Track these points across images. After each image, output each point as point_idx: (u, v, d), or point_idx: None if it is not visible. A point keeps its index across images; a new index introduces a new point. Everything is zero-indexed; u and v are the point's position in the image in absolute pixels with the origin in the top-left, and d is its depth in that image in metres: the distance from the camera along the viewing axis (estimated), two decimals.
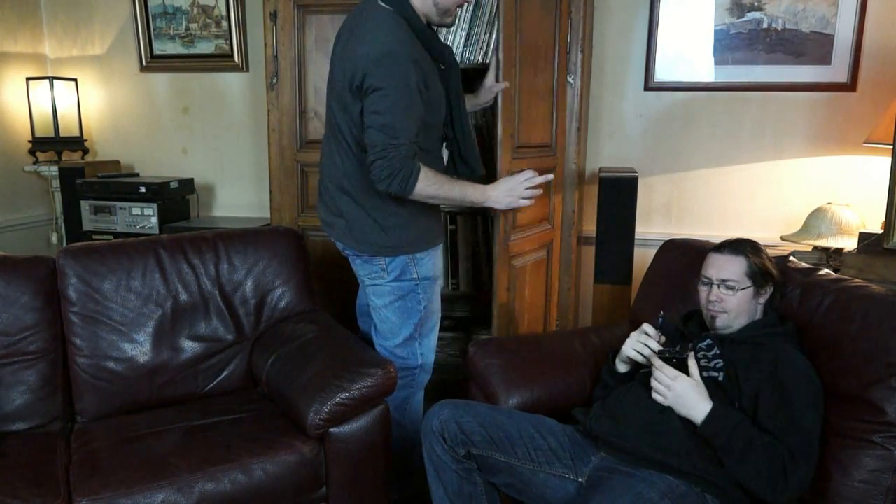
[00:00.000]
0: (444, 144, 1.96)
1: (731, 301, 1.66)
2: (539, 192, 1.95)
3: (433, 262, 1.99)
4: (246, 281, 2.27)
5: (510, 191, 1.90)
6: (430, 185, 1.78)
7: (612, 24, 2.86)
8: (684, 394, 1.54)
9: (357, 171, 1.86)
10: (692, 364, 1.56)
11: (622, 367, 1.77)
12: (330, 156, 1.96)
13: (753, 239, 1.75)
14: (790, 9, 2.67)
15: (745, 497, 1.51)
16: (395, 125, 1.71)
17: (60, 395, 2.02)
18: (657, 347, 1.65)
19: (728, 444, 1.48)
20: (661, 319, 1.71)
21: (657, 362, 1.58)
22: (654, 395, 1.57)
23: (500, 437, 1.62)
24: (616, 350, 1.80)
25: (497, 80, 2.06)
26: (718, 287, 1.67)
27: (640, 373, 1.71)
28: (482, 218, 2.65)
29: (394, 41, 1.72)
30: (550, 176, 1.98)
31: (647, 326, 1.69)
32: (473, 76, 2.80)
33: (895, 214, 2.14)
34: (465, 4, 1.94)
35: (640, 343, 1.68)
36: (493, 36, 2.50)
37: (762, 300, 1.70)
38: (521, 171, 1.93)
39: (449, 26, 1.97)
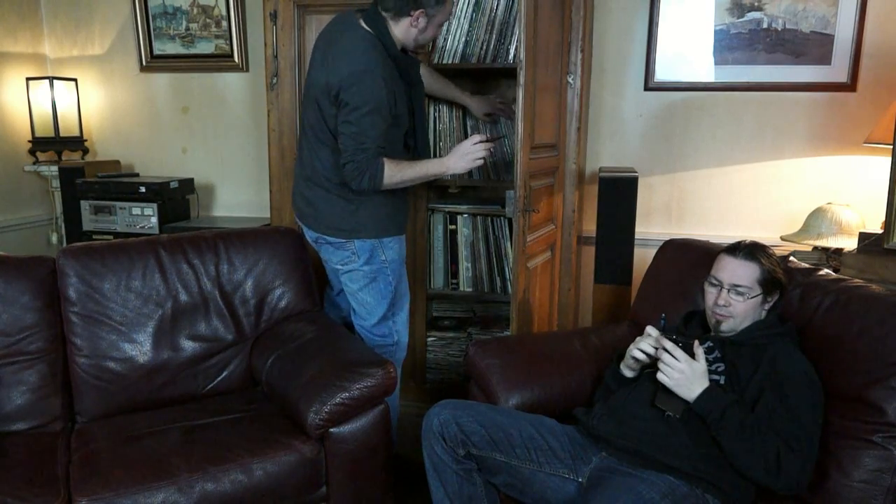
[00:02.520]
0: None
1: (738, 307, 1.65)
2: (490, 148, 2.12)
3: (398, 247, 2.22)
4: (246, 281, 2.27)
5: (464, 155, 2.09)
6: (395, 175, 2.04)
7: (612, 24, 2.86)
8: (690, 375, 1.53)
9: (331, 164, 2.10)
10: (699, 352, 1.56)
11: (628, 373, 1.75)
12: (301, 152, 2.21)
13: (760, 242, 1.74)
14: (790, 9, 2.67)
15: (746, 498, 1.51)
16: (363, 133, 1.97)
17: (60, 395, 2.02)
18: (657, 334, 1.64)
19: (721, 420, 1.49)
20: (662, 321, 1.70)
21: (668, 344, 1.56)
22: (659, 375, 1.55)
23: (500, 437, 1.62)
24: (621, 354, 1.79)
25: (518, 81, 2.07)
26: (728, 292, 1.66)
27: (645, 373, 1.70)
28: (482, 218, 2.65)
29: (369, 61, 1.96)
30: (489, 137, 2.25)
31: (650, 328, 1.68)
32: (473, 75, 2.81)
33: (895, 214, 2.14)
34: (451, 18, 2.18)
35: (644, 343, 1.67)
36: (493, 36, 2.50)
37: (768, 306, 1.69)
38: (468, 139, 2.13)
39: (419, 53, 2.23)
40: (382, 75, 1.96)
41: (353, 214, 2.12)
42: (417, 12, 2.00)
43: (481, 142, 2.08)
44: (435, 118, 2.63)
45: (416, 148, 2.21)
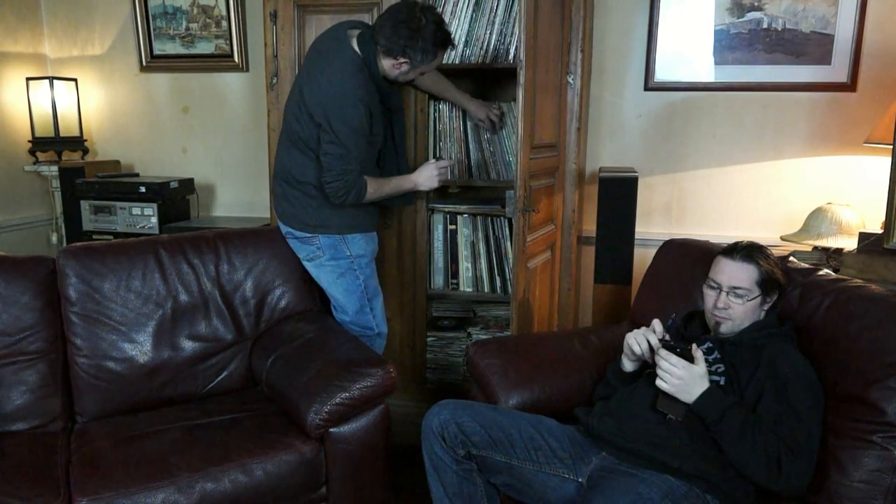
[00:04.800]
0: (378, 161, 2.34)
1: (738, 309, 1.65)
2: (446, 171, 2.40)
3: (365, 243, 2.31)
4: (246, 281, 2.27)
5: (430, 176, 2.33)
6: (374, 192, 2.22)
7: (612, 24, 2.86)
8: (689, 381, 1.52)
9: (301, 163, 2.21)
10: (698, 355, 1.55)
11: (628, 366, 1.75)
12: (280, 152, 2.31)
13: (758, 242, 1.74)
14: (790, 9, 2.67)
15: (746, 498, 1.51)
16: (348, 155, 2.09)
17: (60, 395, 2.02)
18: (658, 338, 1.64)
19: (721, 422, 1.49)
20: (670, 321, 1.69)
21: (662, 351, 1.57)
22: (658, 382, 1.55)
23: (500, 437, 1.62)
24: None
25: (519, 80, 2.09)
26: (727, 294, 1.66)
27: (646, 373, 1.70)
28: (482, 218, 2.65)
29: (351, 84, 2.06)
30: (451, 161, 2.52)
31: (656, 322, 1.66)
32: (473, 75, 2.81)
33: (895, 214, 2.14)
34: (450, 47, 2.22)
35: (642, 336, 1.66)
36: (493, 36, 2.50)
37: (767, 307, 1.69)
38: (433, 160, 2.41)
39: (402, 85, 2.33)
40: (362, 98, 2.06)
41: (317, 210, 2.22)
42: (403, 59, 2.09)
43: (443, 166, 2.34)
44: (435, 118, 2.63)
45: (398, 167, 2.36)
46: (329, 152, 2.10)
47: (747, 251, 1.68)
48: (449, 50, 2.21)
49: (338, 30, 2.18)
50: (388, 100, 2.22)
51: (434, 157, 2.55)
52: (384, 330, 2.42)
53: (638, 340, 1.67)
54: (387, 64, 2.12)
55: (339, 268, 2.28)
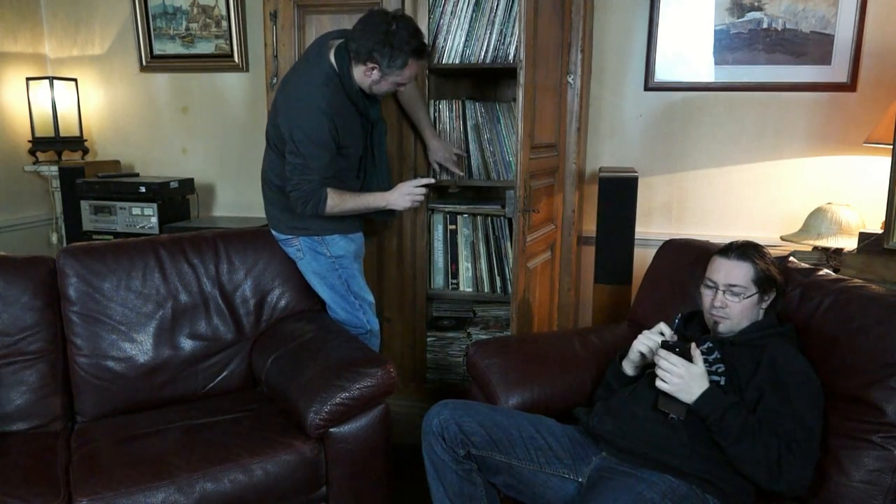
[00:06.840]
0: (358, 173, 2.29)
1: (735, 308, 1.65)
2: (424, 192, 2.25)
3: (346, 244, 2.28)
4: (246, 281, 2.27)
5: (405, 195, 2.22)
6: (338, 205, 2.15)
7: (612, 24, 2.86)
8: (689, 380, 1.52)
9: (277, 167, 2.21)
10: (696, 354, 1.55)
11: (630, 370, 1.74)
12: (264, 154, 2.32)
13: (755, 241, 1.74)
14: (790, 9, 2.67)
15: (746, 498, 1.51)
16: (307, 165, 2.08)
17: (60, 395, 2.02)
18: (669, 333, 1.64)
19: (721, 422, 1.48)
20: (677, 322, 1.69)
21: (661, 351, 1.57)
22: (658, 382, 1.54)
23: (500, 437, 1.62)
24: (623, 353, 1.78)
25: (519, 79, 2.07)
26: (724, 293, 1.66)
27: (647, 373, 1.70)
28: (482, 218, 2.65)
29: (317, 97, 2.04)
30: (432, 180, 2.34)
31: (662, 325, 1.66)
32: (473, 75, 2.81)
33: (895, 214, 2.14)
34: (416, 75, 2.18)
35: (651, 339, 1.66)
36: (493, 36, 2.50)
37: (765, 305, 1.69)
38: (412, 179, 2.28)
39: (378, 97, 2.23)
40: (325, 110, 2.03)
41: (293, 212, 2.20)
42: (371, 64, 2.04)
43: (422, 185, 2.22)
44: (435, 118, 2.62)
45: (377, 180, 2.30)
46: (290, 162, 2.09)
47: (742, 249, 1.68)
48: (426, 60, 2.16)
49: (323, 39, 2.15)
50: (367, 112, 2.18)
51: (419, 174, 2.43)
52: (376, 328, 2.41)
53: (647, 345, 1.66)
54: (358, 73, 2.08)
55: (321, 268, 2.28)
